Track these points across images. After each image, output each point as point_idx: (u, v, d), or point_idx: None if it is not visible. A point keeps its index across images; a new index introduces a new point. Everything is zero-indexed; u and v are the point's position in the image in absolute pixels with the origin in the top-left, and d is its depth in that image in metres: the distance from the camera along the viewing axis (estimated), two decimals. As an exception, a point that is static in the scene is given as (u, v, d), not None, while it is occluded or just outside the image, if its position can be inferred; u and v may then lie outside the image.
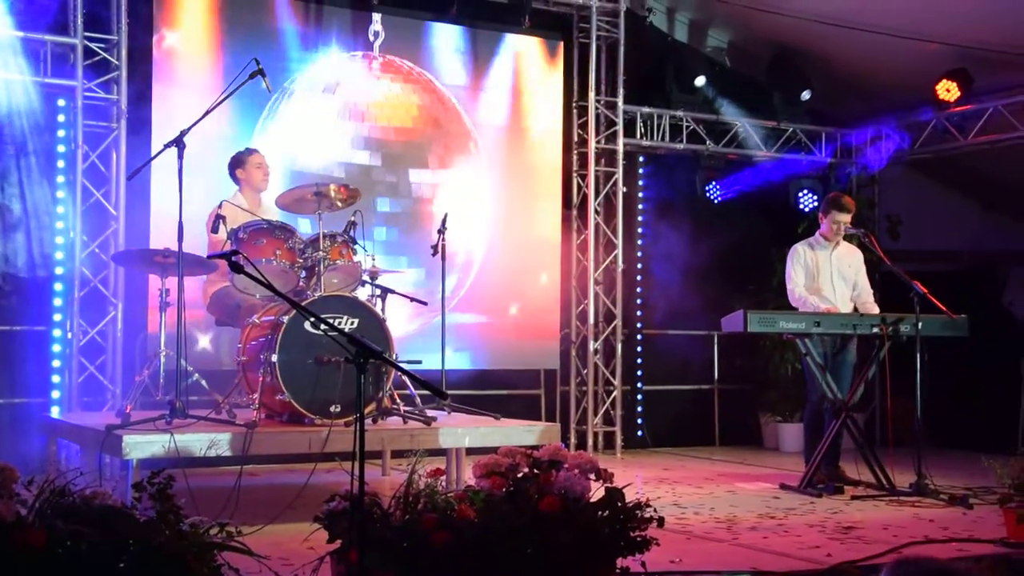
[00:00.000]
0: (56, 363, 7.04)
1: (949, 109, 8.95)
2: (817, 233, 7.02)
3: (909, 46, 8.30)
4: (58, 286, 7.09)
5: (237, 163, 6.45)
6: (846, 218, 6.85)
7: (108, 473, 5.84)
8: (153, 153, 6.20)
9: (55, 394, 7.00)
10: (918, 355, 6.42)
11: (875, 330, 6.49)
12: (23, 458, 3.51)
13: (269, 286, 3.50)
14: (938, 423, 7.35)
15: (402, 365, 3.75)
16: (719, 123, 9.46)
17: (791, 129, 9.72)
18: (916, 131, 9.49)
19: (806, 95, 9.36)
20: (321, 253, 5.68)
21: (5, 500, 3.02)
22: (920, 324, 6.41)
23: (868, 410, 9.14)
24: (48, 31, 7.06)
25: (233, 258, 3.41)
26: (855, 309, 6.91)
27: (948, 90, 8.67)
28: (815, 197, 9.54)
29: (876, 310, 6.83)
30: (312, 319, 5.20)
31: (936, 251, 9.82)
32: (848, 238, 7.05)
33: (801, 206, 9.66)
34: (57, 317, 7.08)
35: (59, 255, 7.11)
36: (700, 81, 9.22)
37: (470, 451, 5.88)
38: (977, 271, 10.31)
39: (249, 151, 6.52)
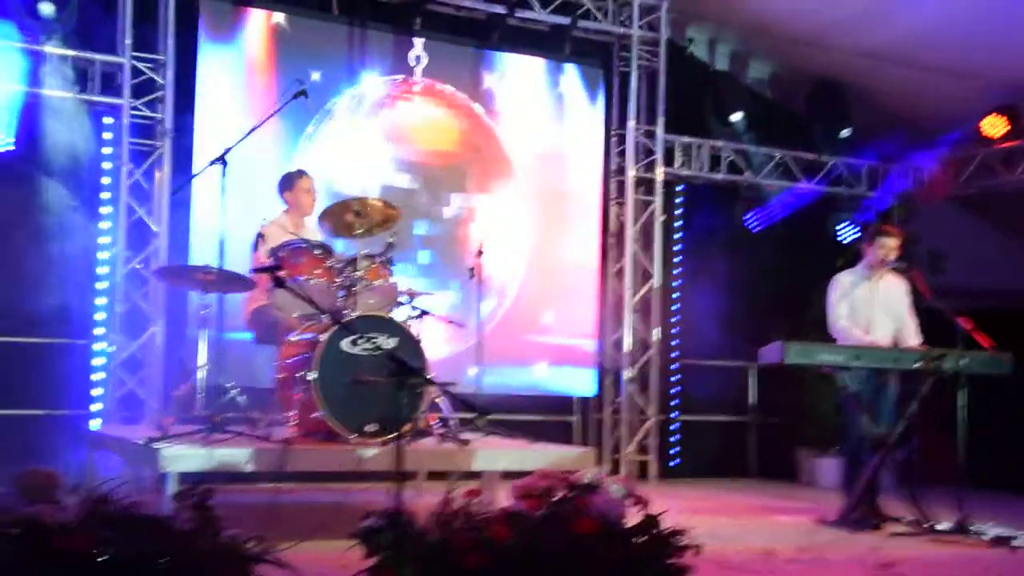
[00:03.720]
0: (97, 376, 7.12)
1: (994, 145, 8.86)
2: (861, 264, 6.91)
3: (955, 80, 8.25)
4: (100, 301, 7.18)
5: (287, 185, 6.48)
6: (893, 243, 6.73)
7: (146, 486, 5.89)
8: (196, 171, 6.27)
9: (95, 407, 7.07)
10: (961, 392, 6.32)
11: (917, 365, 6.40)
12: (64, 468, 3.54)
13: (310, 301, 3.52)
14: (982, 462, 7.23)
15: (441, 383, 3.74)
16: (758, 154, 9.44)
17: (832, 161, 9.68)
18: (961, 166, 9.40)
19: (846, 132, 9.32)
20: (359, 273, 5.70)
21: (50, 506, 3.05)
22: (963, 360, 6.32)
23: (909, 447, 9.01)
24: (97, 50, 7.18)
25: (277, 273, 3.43)
26: (895, 343, 6.78)
27: (994, 125, 8.60)
28: (855, 229, 9.48)
29: (917, 342, 6.71)
30: (350, 338, 5.23)
31: (980, 289, 9.69)
32: (894, 271, 6.91)
33: (840, 238, 9.60)
34: (99, 331, 7.16)
35: (102, 270, 7.20)
36: (736, 117, 9.20)
37: (504, 475, 5.84)
38: (1022, 310, 10.17)
39: (300, 174, 6.53)
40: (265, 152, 7.37)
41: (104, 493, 3.19)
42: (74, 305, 7.12)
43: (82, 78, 7.16)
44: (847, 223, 9.61)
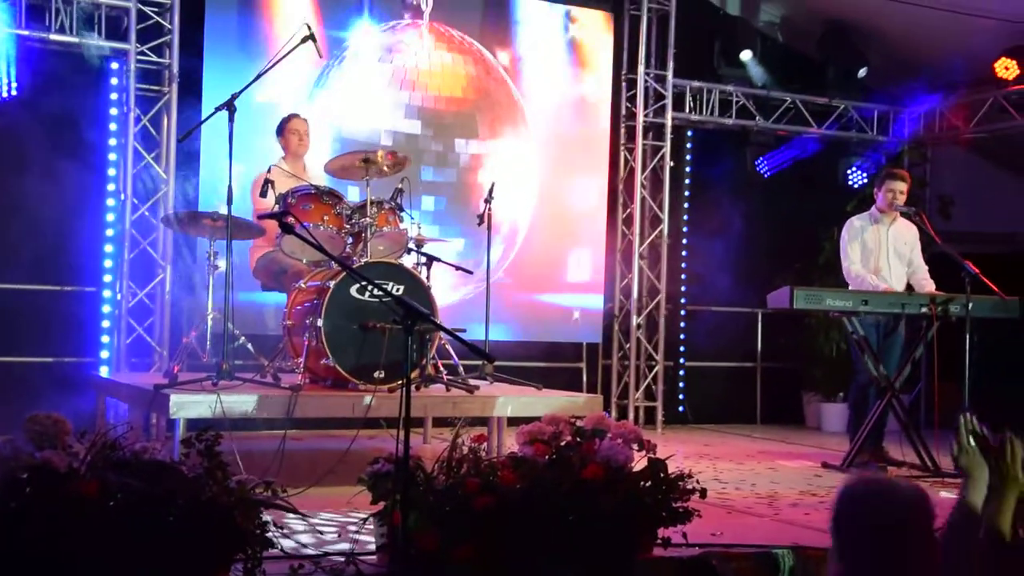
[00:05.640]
0: (105, 324, 7.17)
1: (1007, 87, 8.77)
2: (873, 208, 6.90)
3: (967, 22, 8.14)
4: (108, 248, 7.21)
5: (279, 130, 6.55)
6: (902, 186, 6.73)
7: (155, 432, 5.95)
8: (203, 117, 6.24)
9: (104, 354, 7.12)
10: (967, 336, 6.32)
11: (924, 310, 6.40)
12: (73, 414, 3.56)
13: (319, 247, 3.52)
14: (987, 406, 7.23)
15: (449, 328, 3.75)
16: (769, 98, 9.36)
17: (842, 106, 9.59)
18: (972, 109, 9.32)
19: (863, 72, 9.21)
20: (368, 219, 5.70)
21: (58, 451, 3.08)
22: (970, 305, 6.32)
23: (914, 391, 9.04)
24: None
25: (284, 219, 3.43)
26: (909, 287, 6.80)
27: (1007, 68, 8.50)
28: (865, 175, 9.43)
29: (932, 287, 6.73)
30: (359, 284, 5.24)
31: (988, 233, 9.65)
32: (902, 215, 6.91)
33: (850, 183, 9.56)
34: (107, 278, 7.20)
35: (110, 217, 7.22)
36: (746, 55, 9.10)
37: (511, 421, 5.89)
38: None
39: (288, 117, 6.57)
40: (275, 99, 7.32)
41: (112, 439, 3.22)
42: (82, 252, 7.15)
43: (88, 23, 7.11)
44: (857, 168, 9.55)
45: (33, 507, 2.97)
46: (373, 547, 3.69)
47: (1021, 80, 8.59)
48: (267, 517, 3.33)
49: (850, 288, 6.75)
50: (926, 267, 6.90)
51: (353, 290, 5.38)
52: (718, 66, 9.15)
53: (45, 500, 2.98)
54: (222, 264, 5.57)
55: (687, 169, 9.41)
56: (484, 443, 3.88)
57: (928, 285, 6.76)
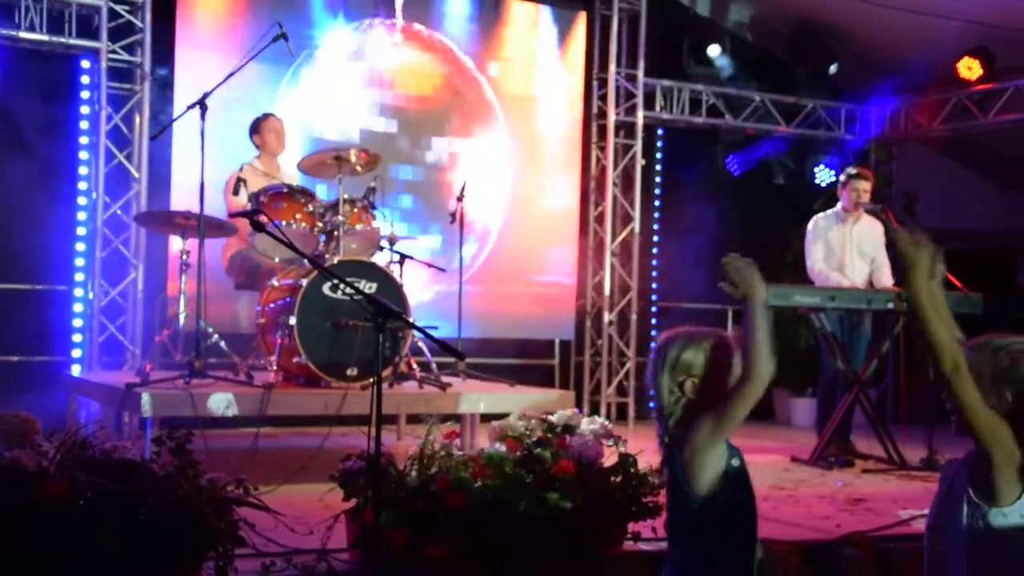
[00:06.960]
0: (77, 322, 7.14)
1: (970, 87, 8.89)
2: (838, 206, 7.00)
3: (931, 23, 8.25)
4: (80, 246, 7.18)
5: (254, 128, 6.55)
6: (866, 185, 6.83)
7: (127, 431, 5.95)
8: (175, 115, 6.24)
9: (76, 353, 7.10)
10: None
11: (890, 306, 6.49)
12: (44, 414, 3.56)
13: (291, 245, 3.54)
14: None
15: (420, 326, 3.78)
16: (739, 97, 9.44)
17: (810, 105, 9.69)
18: (936, 108, 9.44)
19: (833, 68, 9.30)
20: (340, 218, 5.71)
21: (27, 450, 3.09)
22: (935, 301, 6.40)
23: (881, 385, 9.15)
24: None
25: (255, 217, 3.45)
26: (870, 283, 6.90)
27: (970, 68, 8.61)
28: (833, 172, 9.53)
29: (890, 283, 6.83)
30: (331, 282, 5.27)
31: (952, 229, 9.78)
32: (867, 213, 7.01)
33: (818, 181, 9.65)
34: (79, 277, 7.17)
35: (81, 215, 7.19)
36: (714, 51, 9.17)
37: (484, 417, 5.92)
38: (993, 251, 10.27)
39: (264, 116, 6.59)
40: (247, 97, 7.31)
41: (83, 438, 3.23)
42: (54, 251, 7.13)
43: (58, 21, 7.08)
44: (825, 166, 9.65)
45: (1, 507, 2.97)
46: (345, 544, 3.72)
47: (983, 80, 8.71)
48: (238, 515, 3.35)
49: (815, 284, 6.83)
50: (889, 264, 6.99)
51: (325, 288, 5.39)
52: (687, 65, 9.22)
53: (13, 500, 2.98)
54: (194, 262, 5.58)
55: (658, 167, 9.47)
56: (456, 440, 3.92)
57: (887, 281, 6.87)
